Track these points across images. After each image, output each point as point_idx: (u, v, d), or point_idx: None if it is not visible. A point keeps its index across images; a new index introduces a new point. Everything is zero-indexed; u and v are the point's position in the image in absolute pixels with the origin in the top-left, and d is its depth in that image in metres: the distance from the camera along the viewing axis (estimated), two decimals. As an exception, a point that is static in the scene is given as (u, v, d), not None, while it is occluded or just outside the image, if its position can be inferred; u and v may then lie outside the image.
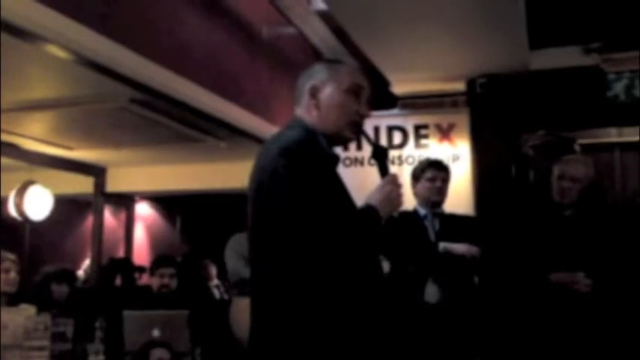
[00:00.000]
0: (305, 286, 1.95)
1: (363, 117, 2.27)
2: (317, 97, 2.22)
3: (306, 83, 2.27)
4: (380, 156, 2.31)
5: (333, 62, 2.38)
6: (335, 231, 1.95)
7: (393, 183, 2.20)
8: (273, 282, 2.01)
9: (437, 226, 4.12)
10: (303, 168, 1.98)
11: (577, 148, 5.28)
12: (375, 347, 2.07)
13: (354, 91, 2.25)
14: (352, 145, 5.71)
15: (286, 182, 1.96)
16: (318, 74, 2.27)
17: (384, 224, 4.03)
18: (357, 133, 2.32)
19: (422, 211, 4.17)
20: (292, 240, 1.94)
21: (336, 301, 1.98)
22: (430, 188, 4.13)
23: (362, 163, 5.70)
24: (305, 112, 2.24)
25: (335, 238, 1.95)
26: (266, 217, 2.02)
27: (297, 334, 1.95)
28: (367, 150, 5.35)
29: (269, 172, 2.01)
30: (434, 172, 4.16)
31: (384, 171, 2.26)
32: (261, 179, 2.05)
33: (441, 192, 4.15)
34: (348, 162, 5.71)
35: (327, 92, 2.22)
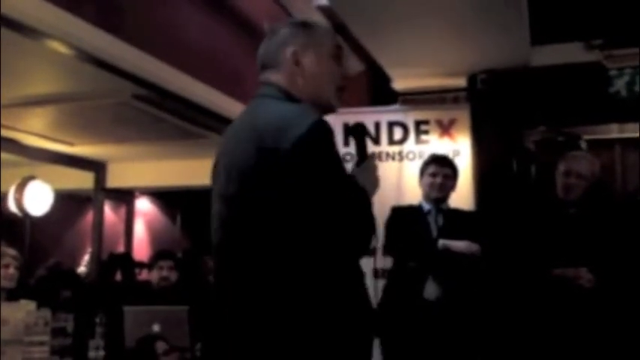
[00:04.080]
0: (320, 275, 1.84)
1: (345, 80, 2.13)
2: (301, 64, 2.03)
3: (281, 48, 2.04)
4: (358, 135, 2.21)
5: (306, 25, 2.12)
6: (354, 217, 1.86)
7: (374, 164, 2.11)
8: (283, 272, 1.84)
9: (440, 221, 4.11)
10: (334, 156, 1.85)
11: (583, 144, 5.27)
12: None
13: (337, 55, 2.10)
14: (352, 141, 5.70)
15: (326, 158, 1.83)
16: (295, 38, 2.05)
17: (388, 220, 4.04)
18: (340, 98, 2.13)
19: (426, 207, 4.16)
20: (320, 230, 1.80)
21: (342, 295, 1.89)
22: (430, 184, 4.12)
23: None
24: (286, 80, 2.03)
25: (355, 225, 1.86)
26: (283, 205, 1.81)
27: (302, 326, 1.84)
28: (369, 145, 5.34)
29: (297, 159, 1.78)
30: (435, 168, 4.15)
31: (362, 150, 2.14)
32: (267, 156, 1.82)
33: (442, 188, 4.12)
34: (348, 157, 5.70)
35: (311, 58, 2.04)
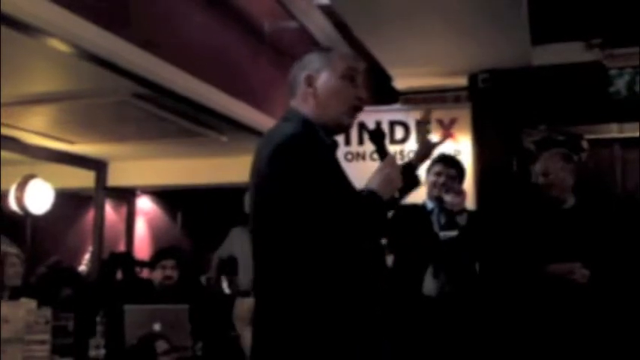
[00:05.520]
0: (311, 277, 1.97)
1: (362, 101, 2.25)
2: (313, 86, 2.20)
3: (300, 74, 2.25)
4: (377, 139, 2.31)
5: (325, 50, 2.34)
6: (338, 219, 1.96)
7: (392, 165, 2.20)
8: (278, 276, 2.02)
9: (443, 220, 4.11)
10: (298, 163, 1.97)
11: (585, 144, 5.27)
12: (372, 337, 2.08)
13: (350, 76, 2.23)
14: (354, 140, 5.70)
15: (281, 179, 1.97)
16: (311, 63, 2.24)
17: (391, 217, 4.04)
18: (354, 117, 2.29)
19: (429, 205, 4.17)
20: (294, 233, 1.96)
21: (342, 292, 2.00)
22: (433, 182, 4.13)
23: (364, 158, 5.69)
24: (301, 103, 2.22)
25: (338, 227, 1.97)
26: (266, 210, 2.04)
27: (304, 325, 1.97)
28: (368, 145, 5.34)
29: (266, 171, 2.03)
30: (440, 167, 4.15)
31: (382, 153, 2.26)
32: (262, 172, 2.06)
33: (446, 188, 4.13)
34: (350, 157, 5.71)
35: (323, 79, 2.20)
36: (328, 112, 2.19)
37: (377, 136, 2.32)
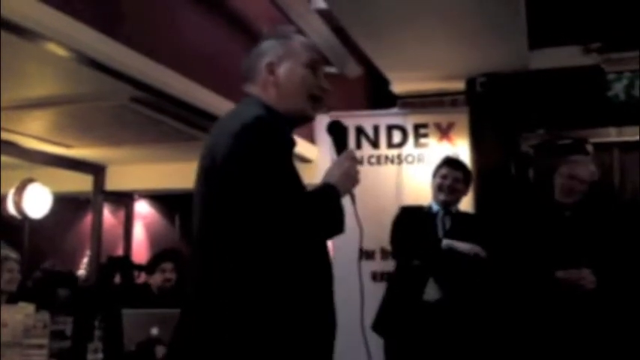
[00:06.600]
0: (260, 270, 1.87)
1: (324, 91, 2.19)
2: (275, 73, 2.13)
3: (259, 60, 2.17)
4: (336, 132, 2.25)
5: (284, 37, 2.22)
6: (295, 211, 1.88)
7: (351, 159, 2.14)
8: (225, 264, 1.90)
9: (448, 223, 4.11)
10: (262, 146, 1.89)
11: (589, 148, 5.28)
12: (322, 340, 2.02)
13: (312, 66, 2.16)
14: (351, 144, 5.69)
15: (246, 160, 1.88)
16: (272, 50, 2.16)
17: (396, 219, 4.04)
18: (318, 108, 2.20)
19: (435, 208, 4.16)
20: (250, 220, 1.85)
21: (290, 288, 1.91)
22: (439, 185, 4.13)
23: (361, 162, 5.69)
24: (261, 90, 2.14)
25: (295, 218, 1.87)
26: (220, 197, 1.92)
27: (248, 321, 1.87)
28: (366, 149, 5.33)
29: (226, 150, 1.91)
30: (447, 170, 4.16)
31: (340, 147, 2.20)
32: (215, 157, 1.95)
33: (451, 191, 4.12)
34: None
35: (286, 67, 2.13)
36: (290, 101, 2.12)
37: (336, 129, 2.26)
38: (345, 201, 2.07)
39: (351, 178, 2.10)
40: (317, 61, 2.20)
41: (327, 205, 1.99)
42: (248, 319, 1.86)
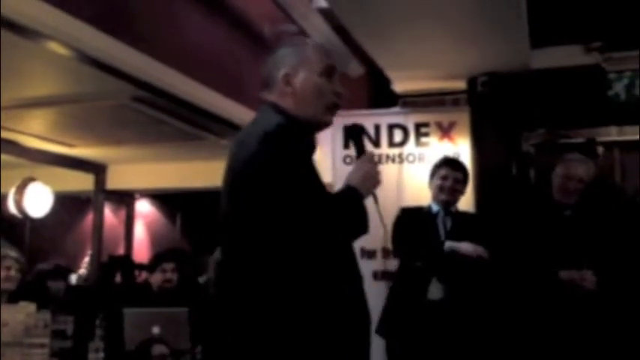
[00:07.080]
0: (286, 277, 1.92)
1: (340, 96, 2.22)
2: (291, 84, 2.17)
3: (275, 70, 2.21)
4: (355, 135, 2.31)
5: (298, 45, 2.29)
6: (321, 213, 1.93)
7: (371, 161, 2.20)
8: (252, 273, 1.96)
9: (449, 224, 4.10)
10: (285, 154, 1.94)
11: (600, 149, 5.28)
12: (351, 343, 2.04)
13: (327, 72, 2.20)
14: (351, 142, 5.69)
15: (271, 166, 1.93)
16: (287, 59, 2.21)
17: (396, 220, 4.04)
18: (334, 114, 2.25)
19: (435, 209, 4.15)
20: (277, 224, 1.91)
21: (318, 294, 1.95)
22: (440, 186, 4.12)
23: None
24: (279, 100, 2.18)
25: (321, 221, 1.93)
26: (246, 207, 1.97)
27: (277, 327, 1.92)
28: (369, 148, 5.33)
29: (249, 160, 1.97)
30: (447, 171, 4.14)
31: (360, 150, 2.26)
32: (239, 168, 2.01)
33: (452, 192, 4.11)
34: (348, 160, 5.68)
35: (302, 77, 2.17)
36: (308, 110, 2.16)
37: (355, 133, 2.31)
38: (368, 201, 2.12)
39: (372, 180, 2.16)
40: (331, 66, 2.23)
41: (350, 207, 2.05)
42: (281, 321, 1.91)
